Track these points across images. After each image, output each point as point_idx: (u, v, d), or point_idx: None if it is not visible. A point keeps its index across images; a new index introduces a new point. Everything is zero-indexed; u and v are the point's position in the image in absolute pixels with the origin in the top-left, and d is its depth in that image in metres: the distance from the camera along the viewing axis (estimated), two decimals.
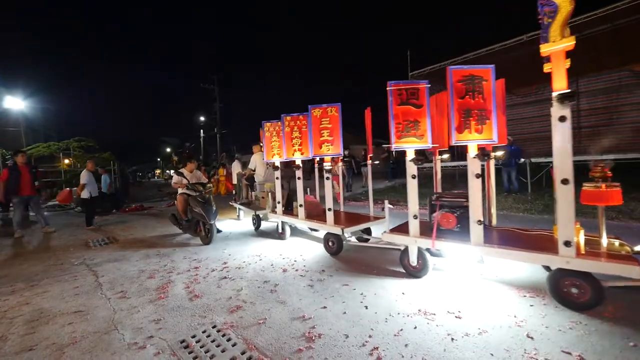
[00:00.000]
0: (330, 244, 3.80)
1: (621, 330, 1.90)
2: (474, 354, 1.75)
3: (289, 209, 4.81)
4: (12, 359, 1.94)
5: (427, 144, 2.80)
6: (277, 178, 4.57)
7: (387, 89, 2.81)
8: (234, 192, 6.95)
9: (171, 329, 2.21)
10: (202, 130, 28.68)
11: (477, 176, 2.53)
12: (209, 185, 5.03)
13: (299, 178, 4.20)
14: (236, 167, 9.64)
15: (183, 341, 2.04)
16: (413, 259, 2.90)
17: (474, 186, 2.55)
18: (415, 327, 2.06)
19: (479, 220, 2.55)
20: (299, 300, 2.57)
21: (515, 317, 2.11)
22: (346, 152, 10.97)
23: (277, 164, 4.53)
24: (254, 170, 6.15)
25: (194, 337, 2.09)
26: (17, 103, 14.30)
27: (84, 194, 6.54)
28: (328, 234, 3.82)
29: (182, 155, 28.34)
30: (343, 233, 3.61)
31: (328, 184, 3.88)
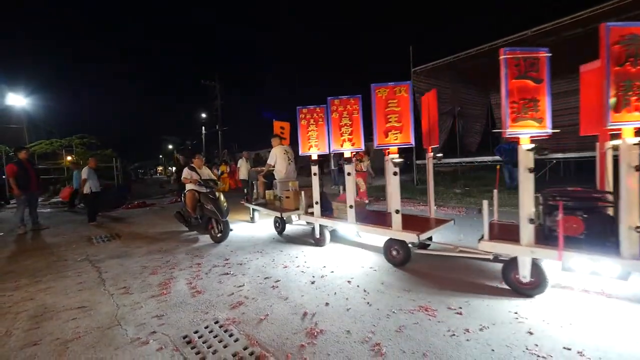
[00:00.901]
0: (394, 253, 3.18)
1: (625, 328, 1.89)
2: (476, 350, 1.75)
3: (326, 211, 4.11)
4: (17, 354, 1.96)
5: (546, 129, 2.28)
6: (314, 174, 3.91)
7: (501, 57, 2.27)
8: (245, 190, 6.43)
9: (174, 324, 2.22)
10: (203, 128, 28.69)
11: (637, 168, 1.97)
12: (219, 181, 4.81)
13: (349, 174, 3.55)
14: (243, 164, 9.50)
15: (185, 336, 2.05)
16: (525, 274, 2.33)
17: (631, 182, 1.98)
18: (417, 324, 2.06)
19: (637, 227, 1.98)
20: (301, 296, 2.58)
21: (516, 313, 2.11)
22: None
23: (315, 157, 3.94)
24: (273, 167, 5.36)
25: (196, 332, 2.10)
26: (19, 100, 14.34)
27: (85, 189, 6.57)
28: (391, 240, 3.20)
29: (185, 152, 28.40)
30: (419, 239, 3.01)
31: (395, 182, 3.18)
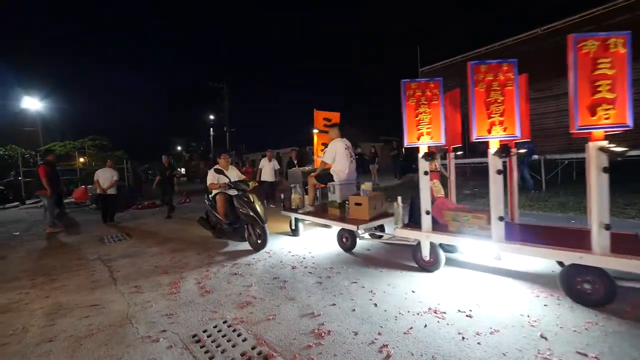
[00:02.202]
0: (586, 286, 2.18)
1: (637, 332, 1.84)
2: (486, 354, 1.73)
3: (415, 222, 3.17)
4: (33, 350, 2.02)
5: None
6: (424, 173, 2.89)
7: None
8: (282, 196, 5.21)
9: (183, 323, 2.26)
10: (211, 129, 29.04)
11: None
12: (251, 182, 4.36)
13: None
14: (266, 164, 8.00)
15: (195, 335, 2.08)
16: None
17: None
18: (426, 326, 2.04)
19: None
20: (308, 297, 2.58)
21: (528, 316, 2.07)
22: (358, 150, 10.86)
23: (425, 150, 2.94)
24: (329, 166, 4.30)
25: (205, 331, 2.13)
26: (34, 103, 14.76)
27: (91, 190, 6.79)
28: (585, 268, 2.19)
29: (196, 153, 28.49)
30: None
31: (604, 183, 2.13)
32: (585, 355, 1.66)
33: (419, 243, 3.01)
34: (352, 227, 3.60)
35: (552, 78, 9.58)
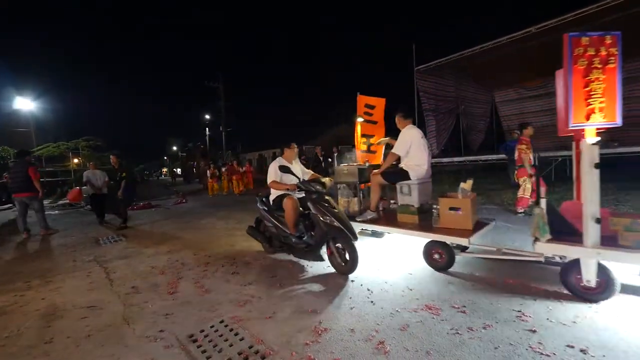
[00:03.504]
0: None
1: (629, 326, 1.89)
2: (479, 348, 1.77)
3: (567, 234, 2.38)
4: (30, 352, 2.02)
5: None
6: (594, 166, 2.15)
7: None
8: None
9: (181, 323, 2.27)
10: (207, 129, 28.88)
11: (597, 166, 2.07)
12: (327, 179, 3.43)
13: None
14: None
15: (191, 335, 2.09)
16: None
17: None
18: (421, 322, 2.07)
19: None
20: (306, 295, 2.60)
21: (520, 311, 2.11)
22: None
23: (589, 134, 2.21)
24: (397, 160, 3.52)
25: (202, 331, 2.14)
26: (26, 104, 14.58)
27: (86, 191, 6.67)
28: None
29: (197, 151, 28.09)
30: None
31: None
32: (575, 348, 1.71)
33: (573, 262, 2.27)
34: (460, 240, 2.72)
35: (545, 76, 9.68)
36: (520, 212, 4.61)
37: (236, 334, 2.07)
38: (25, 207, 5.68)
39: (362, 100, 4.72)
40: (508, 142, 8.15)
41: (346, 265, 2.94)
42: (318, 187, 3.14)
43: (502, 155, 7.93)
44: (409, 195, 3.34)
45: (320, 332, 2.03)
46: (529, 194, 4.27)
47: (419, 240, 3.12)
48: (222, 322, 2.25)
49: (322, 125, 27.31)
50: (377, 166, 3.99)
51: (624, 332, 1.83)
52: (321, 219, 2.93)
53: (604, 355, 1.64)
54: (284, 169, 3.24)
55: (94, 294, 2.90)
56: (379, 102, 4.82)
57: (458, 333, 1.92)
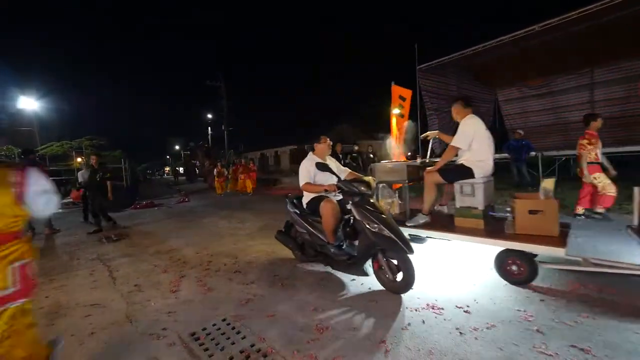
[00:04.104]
0: None
1: (634, 326, 1.87)
2: (482, 348, 1.76)
3: None
4: None
5: None
6: None
7: None
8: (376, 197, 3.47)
9: (183, 321, 2.27)
10: (209, 128, 28.95)
11: None
12: (370, 178, 2.86)
13: None
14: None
15: (194, 333, 2.10)
16: None
17: None
18: (423, 322, 2.07)
19: None
20: (308, 294, 2.60)
21: (524, 312, 2.10)
22: (356, 147, 10.86)
23: None
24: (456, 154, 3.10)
25: (204, 329, 2.14)
26: (30, 103, 14.67)
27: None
28: None
29: (200, 150, 28.03)
30: None
31: None
32: (580, 348, 1.69)
33: None
34: (553, 250, 2.31)
35: (548, 75, 9.62)
36: (581, 214, 3.81)
37: (238, 332, 2.07)
38: None
39: (396, 91, 4.30)
40: (511, 141, 8.12)
41: (398, 282, 2.47)
42: (362, 188, 2.64)
43: (505, 155, 7.89)
44: (471, 196, 2.88)
45: (322, 330, 2.03)
46: (613, 191, 3.47)
47: (463, 247, 2.92)
48: (224, 320, 2.25)
49: (322, 124, 27.29)
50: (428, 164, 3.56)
51: (628, 332, 1.81)
52: (367, 226, 2.48)
53: (606, 355, 1.63)
54: (322, 167, 2.76)
55: (97, 292, 2.92)
56: (409, 95, 4.46)
57: (461, 333, 1.91)
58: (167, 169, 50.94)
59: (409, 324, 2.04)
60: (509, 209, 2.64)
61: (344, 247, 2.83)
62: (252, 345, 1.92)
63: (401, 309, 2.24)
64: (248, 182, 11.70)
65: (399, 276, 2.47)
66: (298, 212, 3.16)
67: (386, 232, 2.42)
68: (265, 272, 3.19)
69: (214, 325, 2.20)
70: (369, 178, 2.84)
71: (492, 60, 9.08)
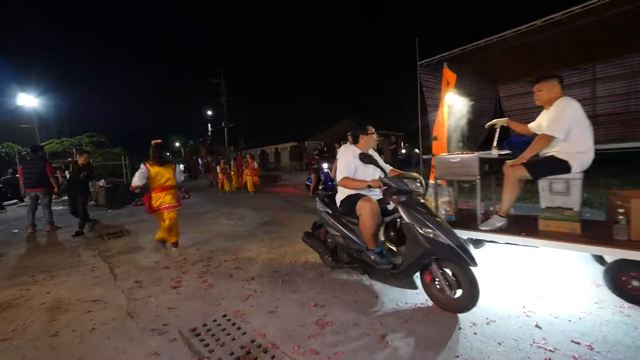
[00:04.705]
0: None
1: (634, 321, 1.87)
2: (481, 343, 1.76)
3: None
4: (35, 345, 2.04)
5: None
6: None
7: None
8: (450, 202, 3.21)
9: (184, 317, 2.28)
10: (209, 125, 28.89)
11: None
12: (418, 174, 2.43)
13: None
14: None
15: (195, 329, 2.10)
16: None
17: None
18: (424, 317, 2.07)
19: None
20: (309, 289, 2.61)
21: (524, 307, 2.10)
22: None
23: None
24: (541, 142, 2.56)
25: (205, 325, 2.15)
26: (30, 100, 14.63)
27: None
28: None
29: (204, 146, 27.94)
30: None
31: None
32: (579, 344, 1.70)
33: None
34: None
35: (551, 70, 9.54)
36: None
37: (238, 328, 2.08)
38: (36, 202, 5.70)
39: (446, 75, 3.63)
40: (513, 137, 8.07)
41: (456, 299, 2.07)
42: (414, 185, 2.26)
43: (507, 152, 7.85)
44: (564, 195, 2.45)
45: (323, 326, 2.03)
46: None
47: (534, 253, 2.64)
48: (224, 316, 2.26)
49: (323, 121, 27.21)
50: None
51: (628, 327, 1.82)
52: (420, 231, 2.09)
53: (608, 351, 1.63)
54: (367, 159, 2.40)
55: (98, 289, 2.93)
56: (453, 79, 3.85)
57: (461, 328, 1.92)
58: None
59: (409, 319, 2.05)
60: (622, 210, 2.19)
61: (382, 254, 2.43)
62: (253, 341, 1.93)
63: (402, 305, 2.25)
64: (249, 179, 11.01)
65: (458, 292, 2.08)
66: (330, 211, 2.79)
67: (443, 239, 2.03)
68: (266, 268, 3.19)
69: (214, 321, 2.20)
70: (416, 175, 2.42)
71: (493, 55, 9.02)
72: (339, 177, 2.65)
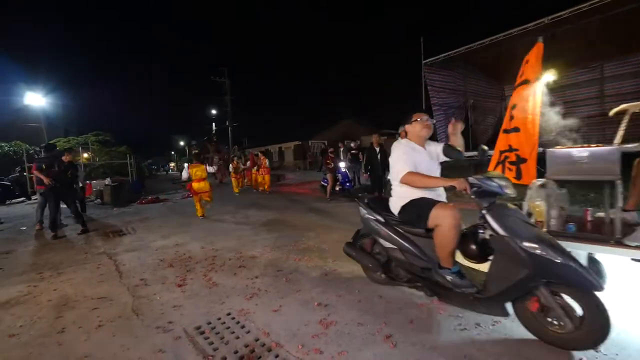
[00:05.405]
0: None
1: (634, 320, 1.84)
2: (486, 344, 1.74)
3: None
4: (44, 341, 2.06)
5: None
6: None
7: None
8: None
9: (189, 315, 2.29)
10: (214, 124, 29.01)
11: None
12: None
13: None
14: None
15: (199, 327, 2.11)
16: None
17: None
18: (428, 317, 2.06)
19: None
20: (313, 288, 2.61)
21: None
22: (353, 145, 10.77)
23: None
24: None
25: (209, 323, 2.16)
26: (37, 99, 14.81)
27: (95, 185, 6.65)
28: None
29: (211, 144, 28.01)
30: None
31: None
32: None
33: None
34: None
35: (558, 69, 9.41)
36: None
37: (243, 327, 2.08)
38: (46, 200, 5.63)
39: (538, 50, 3.17)
40: None
41: (578, 332, 1.62)
42: (506, 186, 1.83)
43: None
44: None
45: (327, 325, 2.03)
46: None
47: None
48: (229, 314, 2.26)
49: (325, 120, 27.19)
50: None
51: (637, 330, 1.78)
52: (522, 246, 1.64)
53: (617, 354, 1.61)
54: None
55: (104, 286, 2.95)
56: (533, 53, 3.23)
57: (466, 329, 1.90)
58: (172, 164, 51.25)
59: (414, 320, 2.03)
60: None
61: (461, 274, 1.98)
62: (257, 340, 1.93)
63: (407, 304, 2.24)
64: (261, 178, 10.27)
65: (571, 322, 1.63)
66: (381, 219, 2.33)
67: (559, 257, 1.58)
68: (270, 267, 3.19)
69: (219, 319, 2.21)
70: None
71: (499, 54, 8.92)
72: (399, 174, 2.09)
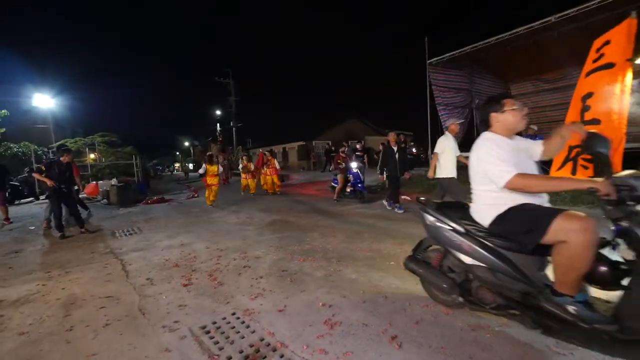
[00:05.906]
0: None
1: None
2: (493, 346, 1.73)
3: None
4: (53, 339, 2.09)
5: None
6: None
7: None
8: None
9: (194, 315, 2.30)
10: (218, 125, 29.17)
11: None
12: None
13: None
14: (448, 146, 4.49)
15: (204, 327, 2.12)
16: None
17: None
18: (434, 318, 2.05)
19: None
20: (317, 289, 2.61)
21: None
22: (358, 146, 10.74)
23: None
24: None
25: (214, 323, 2.17)
26: (46, 101, 15.01)
27: (101, 186, 6.73)
28: None
29: (217, 143, 28.10)
30: None
31: None
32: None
33: None
34: None
35: (565, 68, 9.31)
36: None
37: (248, 327, 2.09)
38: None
39: (631, 26, 2.80)
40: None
41: None
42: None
43: None
44: None
45: (332, 325, 2.02)
46: None
47: None
48: (234, 314, 2.27)
49: (328, 121, 27.16)
50: None
51: None
52: None
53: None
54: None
55: (111, 285, 2.98)
56: (620, 31, 2.84)
57: (473, 330, 1.89)
58: (177, 165, 51.65)
59: (420, 320, 2.02)
60: None
61: (587, 303, 1.55)
62: (262, 340, 1.94)
63: (412, 305, 2.22)
64: (269, 179, 9.80)
65: None
66: (461, 229, 1.91)
67: None
68: (274, 267, 3.20)
69: (224, 319, 2.22)
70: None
71: (505, 53, 8.83)
72: (502, 179, 1.64)
